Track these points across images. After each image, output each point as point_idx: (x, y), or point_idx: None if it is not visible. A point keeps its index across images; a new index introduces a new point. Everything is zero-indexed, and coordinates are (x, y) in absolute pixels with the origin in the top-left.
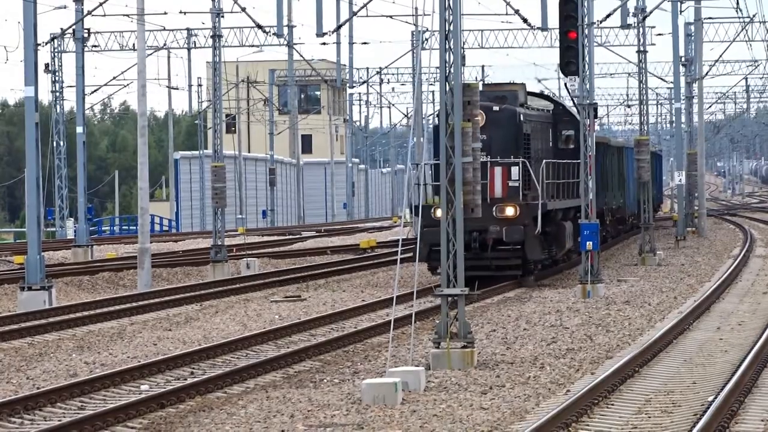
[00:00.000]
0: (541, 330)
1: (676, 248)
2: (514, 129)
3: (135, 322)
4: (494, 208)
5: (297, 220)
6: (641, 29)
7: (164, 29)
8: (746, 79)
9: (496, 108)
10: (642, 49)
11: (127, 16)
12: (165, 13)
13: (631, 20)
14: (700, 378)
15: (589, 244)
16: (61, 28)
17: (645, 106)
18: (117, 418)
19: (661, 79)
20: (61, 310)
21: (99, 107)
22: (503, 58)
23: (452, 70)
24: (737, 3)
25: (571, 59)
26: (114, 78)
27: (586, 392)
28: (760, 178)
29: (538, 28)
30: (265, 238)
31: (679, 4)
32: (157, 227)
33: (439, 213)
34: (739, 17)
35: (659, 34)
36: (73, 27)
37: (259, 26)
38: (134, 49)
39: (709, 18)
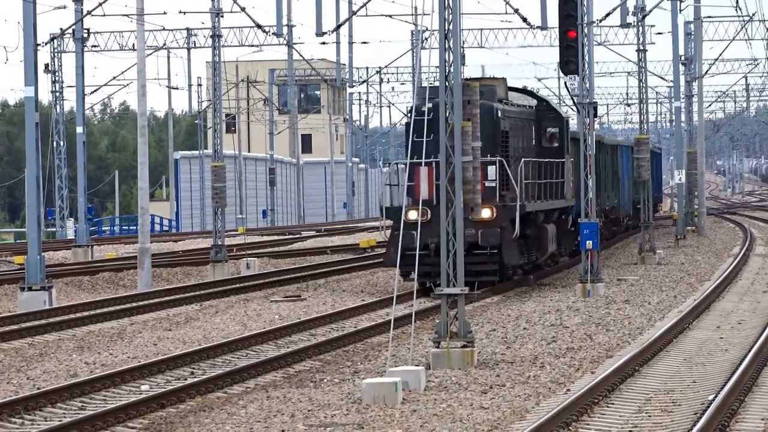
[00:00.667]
0: (541, 329)
1: (676, 247)
2: (491, 126)
3: (135, 322)
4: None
5: (297, 220)
6: (641, 28)
7: (164, 29)
8: (746, 77)
9: None
10: (642, 47)
11: (127, 16)
12: (164, 13)
13: (630, 19)
14: (700, 377)
15: (589, 243)
16: (61, 28)
17: (645, 105)
18: (117, 419)
19: (661, 78)
20: (62, 311)
21: (99, 107)
22: (503, 57)
23: (452, 70)
24: (737, 2)
25: (571, 58)
26: (114, 78)
27: (586, 391)
28: (760, 176)
29: (537, 27)
30: (265, 238)
31: (678, 2)
32: (157, 227)
33: (410, 215)
34: (739, 16)
35: (659, 33)
36: (73, 27)
37: (259, 26)
38: (134, 49)
39: (709, 17)
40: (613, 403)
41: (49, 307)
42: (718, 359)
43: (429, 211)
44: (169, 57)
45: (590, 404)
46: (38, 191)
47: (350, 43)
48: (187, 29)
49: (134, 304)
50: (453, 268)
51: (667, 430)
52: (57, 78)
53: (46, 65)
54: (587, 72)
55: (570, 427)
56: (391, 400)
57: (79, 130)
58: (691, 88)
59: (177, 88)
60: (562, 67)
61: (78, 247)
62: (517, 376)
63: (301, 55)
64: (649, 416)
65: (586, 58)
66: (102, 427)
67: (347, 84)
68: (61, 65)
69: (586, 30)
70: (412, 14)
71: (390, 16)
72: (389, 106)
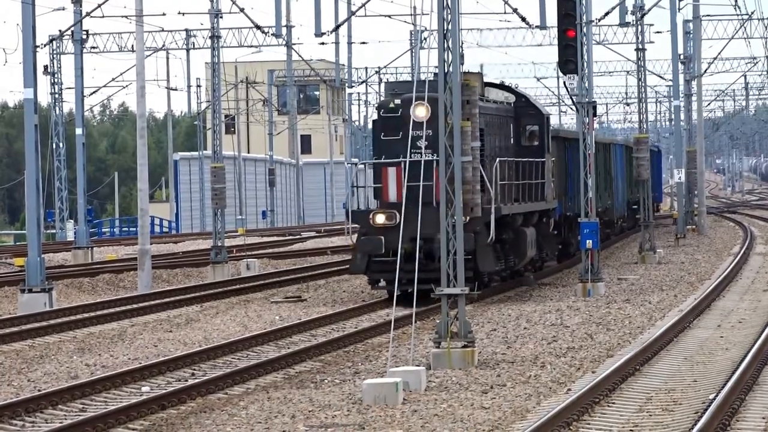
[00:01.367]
0: (541, 329)
1: (676, 246)
2: None
3: (135, 324)
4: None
5: (297, 221)
6: (640, 27)
7: (163, 30)
8: (745, 76)
9: None
10: (641, 47)
11: (126, 17)
12: (163, 14)
13: (629, 18)
14: (700, 376)
15: (589, 243)
16: (60, 30)
17: (644, 104)
18: (118, 420)
19: (660, 77)
20: (62, 312)
21: (98, 109)
22: (502, 57)
23: (451, 69)
24: (735, 0)
25: (570, 57)
26: (113, 79)
27: (587, 391)
28: (759, 175)
29: (536, 26)
30: (265, 239)
31: (677, 1)
32: (157, 228)
33: (378, 219)
34: (738, 14)
35: (658, 32)
36: (72, 29)
37: (258, 27)
38: (133, 51)
39: (708, 15)
40: (614, 403)
41: (50, 309)
42: (719, 358)
43: (397, 215)
44: (168, 58)
45: (591, 404)
46: (38, 193)
47: (349, 43)
48: (186, 30)
49: (135, 306)
50: (453, 268)
51: (668, 429)
52: (56, 80)
53: (46, 67)
54: (586, 71)
55: (571, 427)
56: (392, 401)
57: (79, 131)
58: (691, 86)
59: (176, 89)
60: (561, 67)
61: (78, 248)
62: (518, 375)
63: (300, 56)
64: (650, 415)
65: (585, 57)
66: (103, 429)
67: (346, 84)
68: (60, 67)
69: (585, 29)
70: (411, 14)
71: (389, 16)
72: None
